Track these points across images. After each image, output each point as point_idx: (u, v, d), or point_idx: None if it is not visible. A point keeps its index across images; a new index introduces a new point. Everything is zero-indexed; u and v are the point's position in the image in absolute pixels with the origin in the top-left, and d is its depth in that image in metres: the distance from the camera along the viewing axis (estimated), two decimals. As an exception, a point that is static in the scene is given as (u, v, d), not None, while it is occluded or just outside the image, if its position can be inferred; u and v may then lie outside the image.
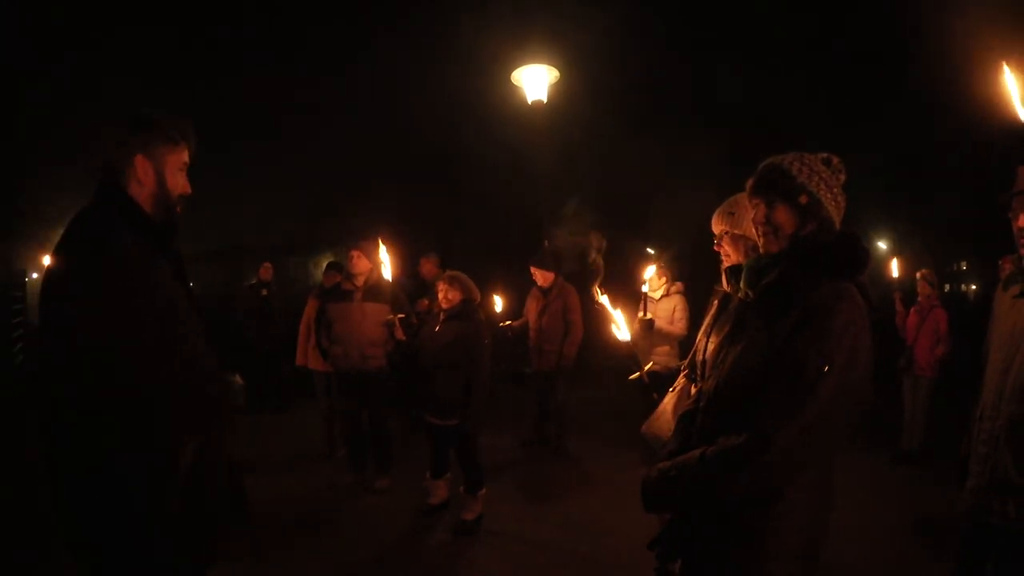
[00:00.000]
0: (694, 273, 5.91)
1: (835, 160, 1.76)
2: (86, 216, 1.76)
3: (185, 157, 1.92)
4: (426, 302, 6.02)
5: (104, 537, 1.69)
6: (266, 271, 8.59)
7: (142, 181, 1.82)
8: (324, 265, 6.84)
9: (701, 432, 1.72)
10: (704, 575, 1.76)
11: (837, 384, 1.46)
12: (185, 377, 1.78)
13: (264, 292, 8.46)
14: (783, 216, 1.68)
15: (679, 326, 5.84)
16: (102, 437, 1.64)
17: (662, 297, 5.96)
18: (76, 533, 1.70)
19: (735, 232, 2.23)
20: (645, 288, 5.66)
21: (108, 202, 1.78)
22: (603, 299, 2.91)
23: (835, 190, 1.70)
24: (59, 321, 1.67)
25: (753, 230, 2.16)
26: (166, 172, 1.85)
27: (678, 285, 6.05)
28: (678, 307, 5.89)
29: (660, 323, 5.79)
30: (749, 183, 1.79)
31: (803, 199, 1.66)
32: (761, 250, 1.77)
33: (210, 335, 1.96)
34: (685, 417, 1.96)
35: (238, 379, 2.15)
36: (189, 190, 1.94)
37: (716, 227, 2.31)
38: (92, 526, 1.69)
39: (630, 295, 5.88)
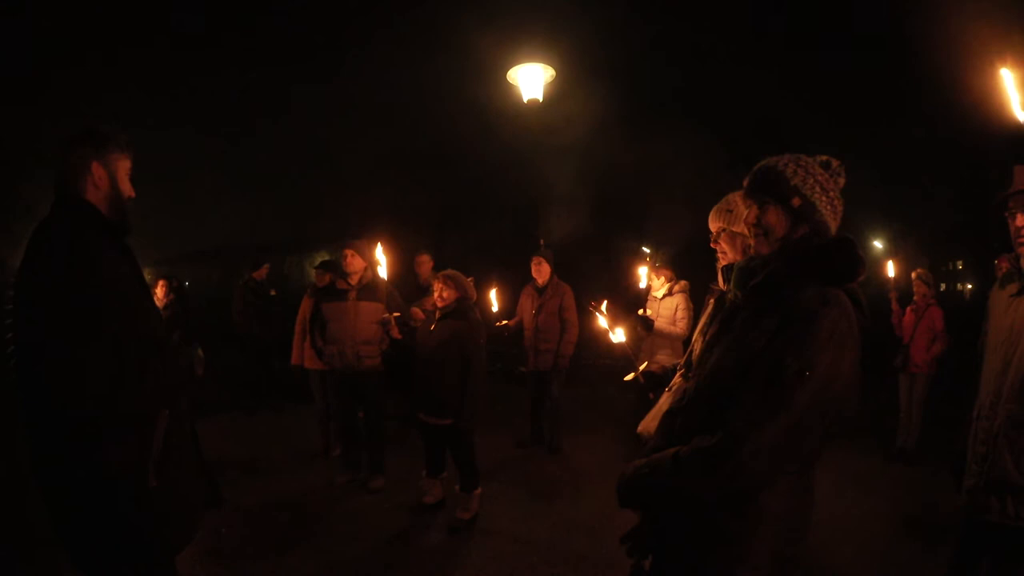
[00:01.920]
0: (694, 272, 5.87)
1: (835, 163, 1.72)
2: (53, 222, 1.93)
3: (129, 164, 2.12)
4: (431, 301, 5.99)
5: (88, 516, 1.85)
6: (263, 271, 8.56)
7: (98, 185, 2.01)
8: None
9: (680, 433, 1.69)
10: (674, 575, 1.73)
11: (814, 391, 1.43)
12: (153, 356, 1.96)
13: (273, 292, 8.44)
14: (774, 218, 1.66)
15: (681, 326, 5.73)
16: (93, 429, 1.80)
17: (664, 296, 5.88)
18: (61, 514, 1.86)
19: (732, 229, 2.23)
20: (642, 285, 5.62)
21: (71, 207, 1.97)
22: (600, 307, 2.90)
23: (832, 194, 1.67)
24: (49, 322, 1.77)
25: None
26: (118, 177, 2.06)
27: (682, 284, 5.92)
28: (680, 306, 5.77)
29: (661, 323, 5.72)
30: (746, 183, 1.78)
31: (795, 201, 1.63)
32: (752, 251, 1.76)
33: (174, 328, 2.20)
34: (668, 416, 1.95)
35: (199, 352, 2.32)
36: (133, 194, 2.14)
37: (713, 224, 2.30)
38: (77, 506, 1.85)
39: (624, 293, 5.89)
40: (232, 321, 8.39)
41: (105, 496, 1.83)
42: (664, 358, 5.58)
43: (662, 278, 5.92)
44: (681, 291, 5.88)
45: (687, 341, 5.73)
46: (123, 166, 2.09)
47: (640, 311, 5.65)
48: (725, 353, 1.62)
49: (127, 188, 2.10)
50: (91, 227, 1.93)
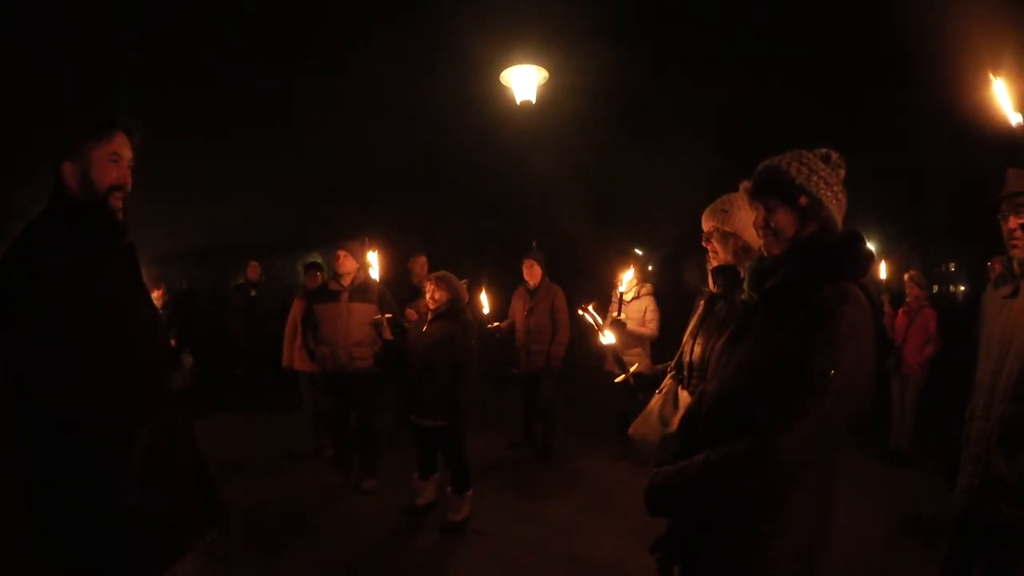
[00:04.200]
0: (662, 274, 5.97)
1: (834, 156, 1.73)
2: (25, 234, 1.82)
3: (115, 148, 1.92)
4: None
5: (69, 534, 1.77)
6: (253, 270, 8.52)
7: (71, 185, 1.87)
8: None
9: (704, 435, 1.69)
10: None
11: (842, 388, 1.44)
12: (134, 371, 1.86)
13: (253, 292, 8.40)
14: (783, 218, 1.66)
15: (650, 327, 5.94)
16: (63, 448, 1.72)
17: (633, 299, 6.02)
18: (45, 531, 1.78)
19: (725, 229, 2.22)
20: (621, 289, 5.70)
21: (47, 213, 1.86)
22: (589, 308, 2.90)
23: (835, 187, 1.67)
24: (12, 345, 1.71)
25: (745, 229, 2.15)
26: (91, 169, 1.88)
27: (648, 286, 6.14)
28: (649, 308, 5.98)
29: (631, 325, 5.84)
30: (746, 185, 1.77)
31: (803, 200, 1.63)
32: (764, 252, 1.75)
33: (170, 327, 2.03)
34: (687, 419, 1.93)
35: (187, 359, 2.14)
36: (125, 179, 1.94)
37: (706, 224, 2.30)
38: (57, 524, 1.78)
39: (603, 296, 5.92)
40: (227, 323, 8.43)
41: (81, 513, 1.76)
42: (633, 357, 5.64)
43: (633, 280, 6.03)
44: (648, 293, 6.09)
45: (654, 342, 5.89)
46: (100, 154, 1.88)
47: (613, 314, 5.71)
48: (748, 356, 1.62)
49: (111, 176, 1.89)
50: (62, 235, 1.82)
